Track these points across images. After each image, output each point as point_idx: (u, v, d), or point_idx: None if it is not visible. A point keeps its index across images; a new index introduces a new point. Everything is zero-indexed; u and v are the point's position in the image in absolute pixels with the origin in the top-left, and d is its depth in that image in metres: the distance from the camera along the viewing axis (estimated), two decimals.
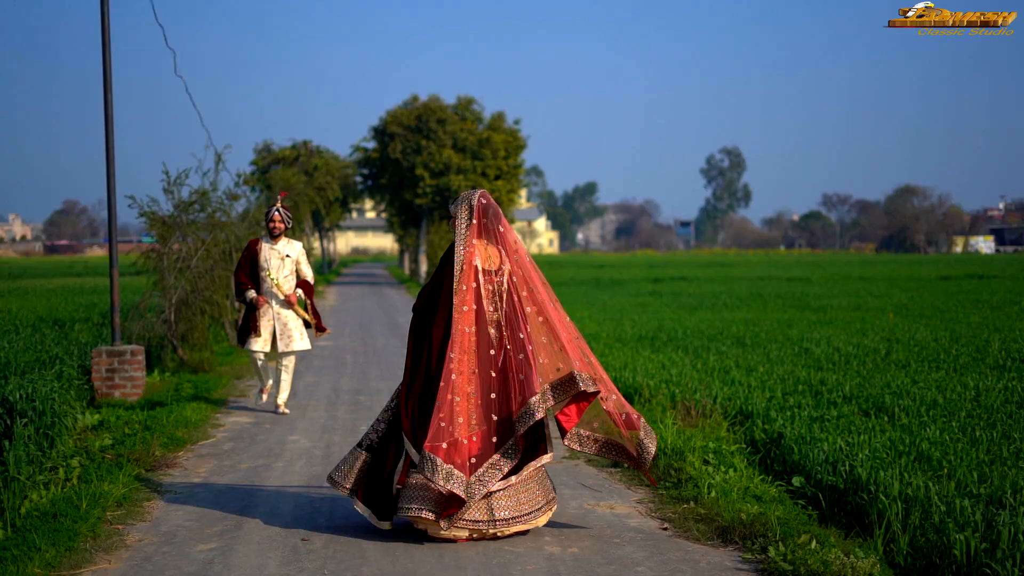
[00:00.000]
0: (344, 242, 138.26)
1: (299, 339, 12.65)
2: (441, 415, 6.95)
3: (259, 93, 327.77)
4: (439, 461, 6.85)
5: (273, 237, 12.62)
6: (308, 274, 12.85)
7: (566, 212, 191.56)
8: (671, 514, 7.93)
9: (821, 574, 6.28)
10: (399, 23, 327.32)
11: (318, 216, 59.29)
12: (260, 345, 12.47)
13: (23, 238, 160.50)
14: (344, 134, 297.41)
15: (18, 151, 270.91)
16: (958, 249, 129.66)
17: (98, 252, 24.75)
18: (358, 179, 59.90)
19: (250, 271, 12.60)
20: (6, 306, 26.60)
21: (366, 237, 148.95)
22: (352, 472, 7.44)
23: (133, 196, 17.41)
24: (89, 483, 8.56)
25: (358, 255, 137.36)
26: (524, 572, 6.61)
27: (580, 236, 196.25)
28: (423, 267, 51.57)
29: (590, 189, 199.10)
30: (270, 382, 12.89)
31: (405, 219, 56.36)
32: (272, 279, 12.41)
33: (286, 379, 12.82)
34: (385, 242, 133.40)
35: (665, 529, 7.61)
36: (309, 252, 51.88)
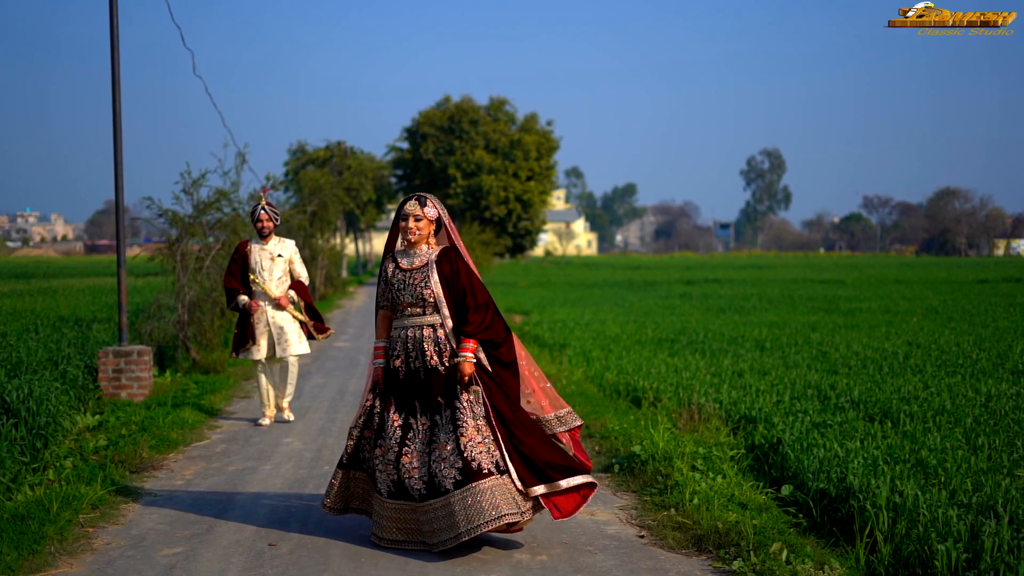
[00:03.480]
0: (381, 242, 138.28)
1: (297, 342, 12.00)
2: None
3: (296, 95, 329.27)
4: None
5: (262, 237, 11.92)
6: (302, 274, 12.16)
7: (605, 214, 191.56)
8: (651, 521, 7.76)
9: None
10: (435, 23, 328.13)
11: (352, 217, 59.39)
12: (258, 353, 11.84)
13: (64, 238, 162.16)
14: (380, 135, 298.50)
15: (61, 152, 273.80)
16: (1000, 252, 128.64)
17: (136, 251, 25.10)
18: (393, 179, 60.03)
19: (241, 276, 11.89)
20: (32, 305, 26.70)
21: None
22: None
23: (151, 197, 17.44)
24: (70, 485, 8.48)
25: None
26: None
27: (619, 238, 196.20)
28: None
29: (629, 190, 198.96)
30: (273, 409, 12.11)
31: None
32: (258, 282, 11.82)
33: (290, 383, 12.27)
34: None
35: (641, 537, 7.44)
36: (341, 253, 52.20)
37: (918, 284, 44.46)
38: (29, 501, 7.92)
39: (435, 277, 7.23)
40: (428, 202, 7.35)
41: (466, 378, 7.06)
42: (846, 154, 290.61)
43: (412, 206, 7.33)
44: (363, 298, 40.35)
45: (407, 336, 7.24)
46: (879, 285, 44.20)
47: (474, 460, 6.89)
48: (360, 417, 7.38)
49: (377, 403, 7.31)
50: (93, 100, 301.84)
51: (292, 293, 12.04)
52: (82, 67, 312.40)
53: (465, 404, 7.04)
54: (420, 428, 7.10)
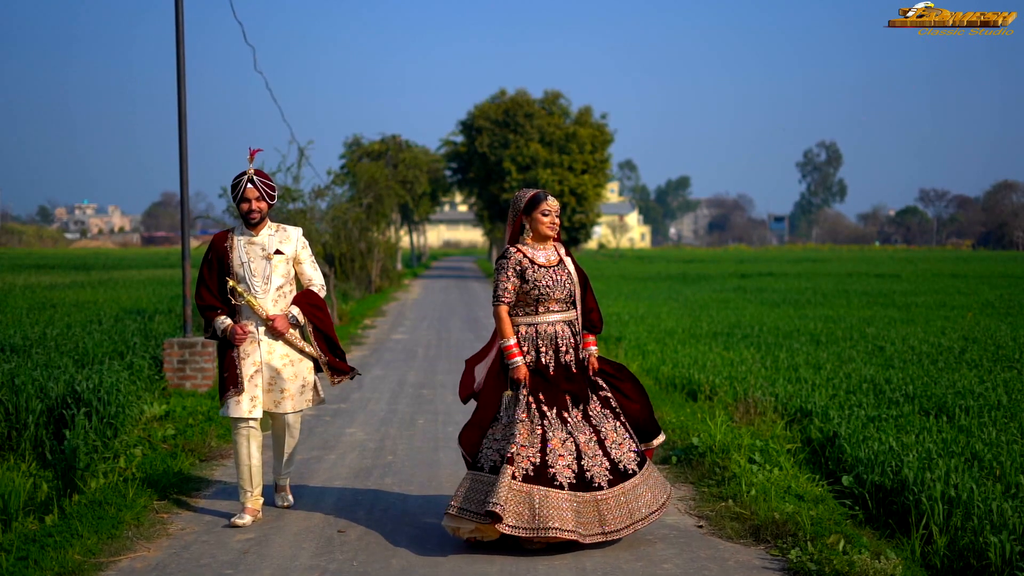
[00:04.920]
0: (436, 235, 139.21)
1: (298, 393, 7.91)
2: None
3: (352, 88, 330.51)
4: None
5: (251, 225, 7.86)
6: (314, 277, 8.11)
7: (659, 206, 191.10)
8: (709, 512, 7.92)
9: (845, 574, 6.24)
10: (489, 17, 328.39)
11: (406, 210, 59.71)
12: (245, 407, 7.68)
13: (121, 229, 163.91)
14: (434, 128, 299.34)
15: (119, 144, 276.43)
16: None
17: (193, 244, 25.52)
18: (447, 173, 60.30)
19: (219, 286, 7.88)
20: (94, 296, 27.16)
21: (457, 230, 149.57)
22: None
23: (225, 188, 17.75)
24: (143, 472, 8.75)
25: (449, 248, 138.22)
26: (551, 567, 6.64)
27: (672, 231, 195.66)
28: None
29: (683, 183, 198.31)
30: (258, 496, 7.89)
31: (492, 213, 56.56)
32: (242, 293, 7.75)
33: (287, 450, 8.21)
34: (476, 236, 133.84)
35: (700, 527, 7.60)
36: (396, 245, 52.26)
37: (974, 279, 44.05)
38: (104, 487, 8.20)
39: (574, 272, 7.40)
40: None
41: (597, 367, 7.39)
42: (903, 147, 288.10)
43: (554, 202, 7.36)
44: (419, 291, 40.74)
45: (554, 332, 7.19)
46: (935, 279, 43.84)
47: (637, 442, 7.27)
48: (515, 419, 6.98)
49: (531, 399, 7.06)
50: (151, 94, 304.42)
51: (296, 311, 7.90)
52: (143, 63, 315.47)
53: (609, 392, 7.36)
54: (575, 420, 7.07)
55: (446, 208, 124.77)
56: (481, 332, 22.36)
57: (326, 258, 23.80)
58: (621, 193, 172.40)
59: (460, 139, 56.08)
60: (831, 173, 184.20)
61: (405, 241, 71.55)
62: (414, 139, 64.68)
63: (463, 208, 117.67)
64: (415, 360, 17.52)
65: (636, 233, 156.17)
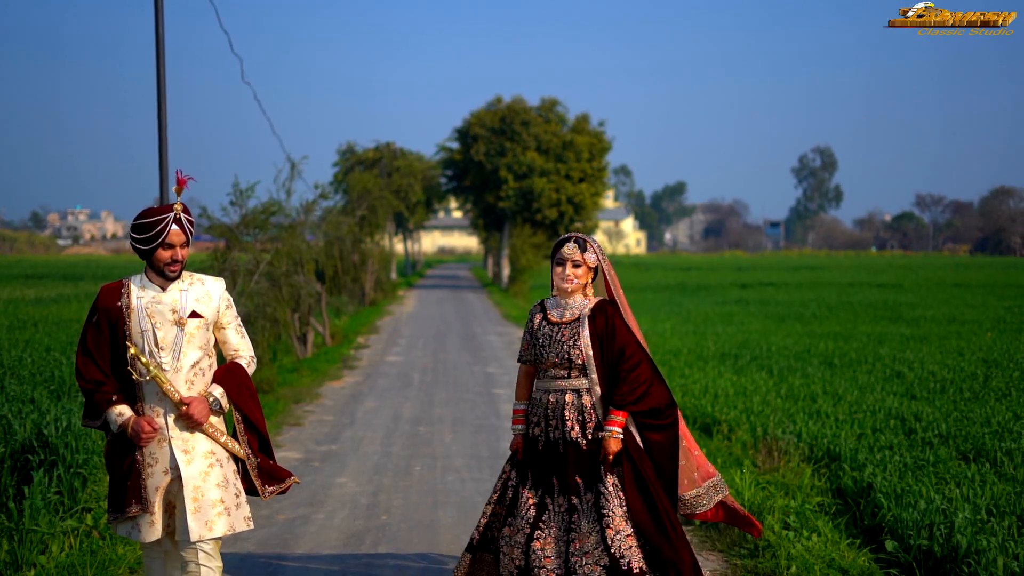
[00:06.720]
0: (430, 241, 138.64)
1: (235, 507, 5.63)
2: None
3: (346, 95, 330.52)
4: None
5: (165, 277, 5.60)
6: (242, 347, 5.89)
7: (654, 212, 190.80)
8: None
9: None
10: (485, 23, 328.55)
11: (401, 218, 59.11)
12: (147, 529, 5.55)
13: (114, 235, 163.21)
14: (430, 134, 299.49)
15: (112, 149, 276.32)
16: None
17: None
18: (442, 180, 59.74)
19: (113, 360, 5.57)
20: (79, 313, 26.41)
21: (452, 236, 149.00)
22: None
23: (205, 207, 17.16)
24: (106, 541, 7.83)
25: (444, 255, 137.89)
26: None
27: (668, 236, 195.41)
28: (505, 270, 51.37)
29: (679, 189, 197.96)
30: None
31: (488, 221, 55.94)
32: (147, 364, 5.42)
33: None
34: (471, 242, 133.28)
35: None
36: (391, 255, 51.83)
37: (978, 288, 43.65)
38: (60, 564, 7.26)
39: (586, 334, 6.11)
40: (588, 246, 6.24)
41: (611, 456, 5.98)
42: (899, 152, 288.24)
43: (571, 250, 6.19)
44: (413, 303, 40.00)
45: (548, 401, 6.15)
46: (938, 289, 43.47)
47: (623, 558, 5.81)
48: (495, 492, 6.32)
49: (513, 475, 6.26)
50: (145, 99, 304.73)
51: (219, 393, 5.66)
52: (136, 66, 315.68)
53: (611, 488, 5.96)
54: (557, 510, 6.04)
55: (440, 214, 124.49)
56: (479, 352, 21.65)
57: (317, 275, 23.13)
58: (616, 199, 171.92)
59: (456, 146, 55.42)
60: (826, 178, 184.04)
61: (399, 248, 71.04)
62: (409, 146, 64.31)
63: (458, 214, 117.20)
64: (411, 388, 16.67)
65: (632, 239, 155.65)
